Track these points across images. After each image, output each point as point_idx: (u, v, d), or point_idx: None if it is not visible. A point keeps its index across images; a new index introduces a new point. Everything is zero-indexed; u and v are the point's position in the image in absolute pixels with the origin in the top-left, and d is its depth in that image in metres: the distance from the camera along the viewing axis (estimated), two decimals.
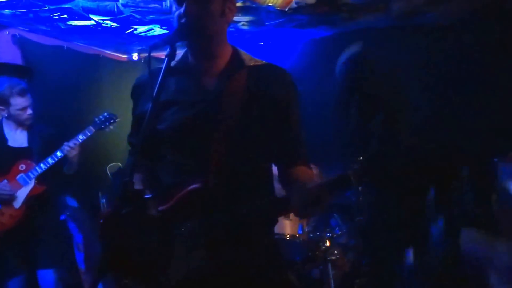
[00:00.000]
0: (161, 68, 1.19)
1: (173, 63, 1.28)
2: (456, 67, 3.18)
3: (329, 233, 2.84)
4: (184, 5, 1.20)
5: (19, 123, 2.66)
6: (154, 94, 1.15)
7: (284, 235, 2.89)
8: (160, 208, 1.22)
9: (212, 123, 1.24)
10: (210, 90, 1.28)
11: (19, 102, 2.59)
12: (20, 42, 3.64)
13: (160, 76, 1.17)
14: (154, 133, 1.25)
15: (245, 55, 1.35)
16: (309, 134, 1.39)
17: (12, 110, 2.60)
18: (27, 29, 3.65)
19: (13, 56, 3.61)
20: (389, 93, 3.03)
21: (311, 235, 2.92)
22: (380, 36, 3.44)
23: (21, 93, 2.59)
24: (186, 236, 1.18)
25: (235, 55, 1.33)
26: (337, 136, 3.21)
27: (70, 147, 2.65)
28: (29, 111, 2.64)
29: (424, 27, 3.26)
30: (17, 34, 3.61)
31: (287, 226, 2.91)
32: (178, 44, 1.22)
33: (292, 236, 2.90)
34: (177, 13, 1.22)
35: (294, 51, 3.95)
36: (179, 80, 1.30)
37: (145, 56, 4.64)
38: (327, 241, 2.82)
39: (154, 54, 1.19)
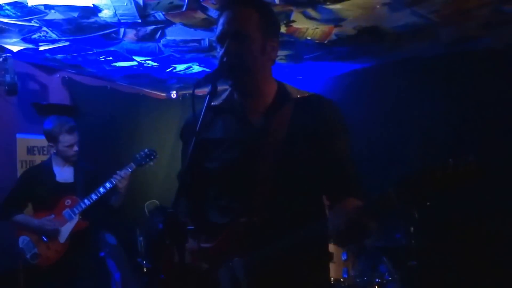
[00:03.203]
0: (212, 107, 1.22)
1: (218, 101, 1.31)
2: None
3: (378, 278, 2.61)
4: (225, 45, 1.23)
5: (66, 159, 2.74)
6: (196, 130, 1.16)
7: None
8: (207, 245, 1.23)
9: (261, 161, 1.24)
10: (257, 128, 1.27)
11: (67, 139, 2.69)
12: (68, 83, 3.85)
13: (202, 113, 1.17)
14: (203, 171, 1.26)
15: (291, 88, 1.34)
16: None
17: (60, 146, 2.69)
18: (75, 72, 3.86)
19: (62, 96, 3.82)
20: None
21: (358, 280, 2.71)
22: (428, 65, 3.29)
23: (69, 131, 2.70)
24: (232, 274, 1.18)
25: (281, 89, 1.32)
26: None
27: (121, 177, 2.71)
28: (76, 148, 2.72)
29: (476, 53, 3.07)
30: (66, 76, 3.83)
31: (331, 269, 2.71)
32: (219, 82, 1.22)
33: (337, 280, 2.71)
34: (220, 52, 1.25)
35: (334, 83, 3.88)
36: (226, 119, 1.31)
37: (183, 94, 4.81)
38: (376, 287, 2.59)
39: (197, 91, 1.19)
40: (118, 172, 2.75)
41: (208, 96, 1.18)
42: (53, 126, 2.69)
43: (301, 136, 1.24)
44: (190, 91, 4.26)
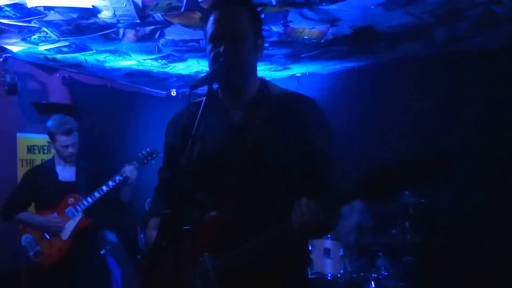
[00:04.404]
0: (198, 103, 1.21)
1: (201, 97, 1.29)
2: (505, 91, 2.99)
3: (375, 273, 2.65)
4: (222, 45, 1.22)
5: (64, 159, 2.78)
6: (193, 132, 1.16)
7: (324, 274, 2.74)
8: (185, 241, 1.21)
9: (238, 157, 1.24)
10: (237, 124, 1.28)
11: (62, 139, 2.72)
12: (69, 83, 3.87)
13: (199, 114, 1.18)
14: (184, 167, 1.24)
15: (272, 86, 1.35)
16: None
17: (57, 145, 2.74)
18: (75, 71, 3.88)
19: (63, 96, 3.84)
20: None
21: (355, 275, 2.75)
22: (422, 64, 3.32)
23: (66, 132, 2.72)
24: (205, 272, 1.16)
25: (262, 87, 1.33)
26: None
27: (130, 170, 2.76)
28: (71, 150, 2.74)
29: (469, 53, 3.11)
30: (66, 75, 3.85)
31: (329, 265, 2.76)
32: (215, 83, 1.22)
33: (334, 276, 2.75)
34: (214, 53, 1.25)
35: (331, 81, 3.92)
36: (208, 115, 1.28)
37: (183, 92, 4.83)
38: (373, 282, 2.63)
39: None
40: (126, 165, 2.79)
41: (205, 98, 1.19)
42: (52, 125, 2.73)
43: (278, 133, 1.23)
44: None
